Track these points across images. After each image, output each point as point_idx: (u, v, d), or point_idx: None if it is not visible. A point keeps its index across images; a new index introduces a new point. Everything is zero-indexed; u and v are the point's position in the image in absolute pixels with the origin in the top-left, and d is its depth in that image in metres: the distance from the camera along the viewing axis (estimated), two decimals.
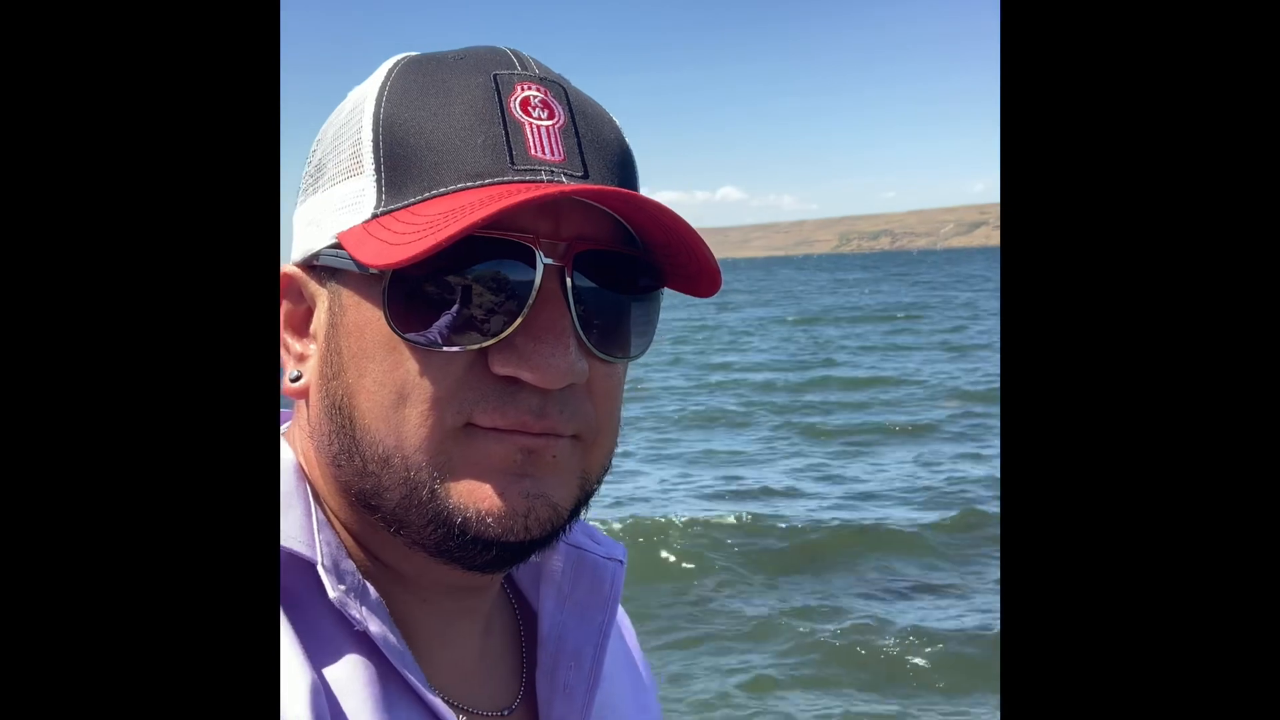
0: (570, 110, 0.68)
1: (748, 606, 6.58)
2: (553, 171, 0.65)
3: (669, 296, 0.74)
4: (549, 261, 0.64)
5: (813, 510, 8.66)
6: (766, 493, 9.40)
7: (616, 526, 7.93)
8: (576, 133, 0.67)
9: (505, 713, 0.76)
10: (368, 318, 0.65)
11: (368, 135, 0.66)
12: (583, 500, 0.70)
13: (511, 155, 0.64)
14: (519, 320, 0.63)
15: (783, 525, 8.05)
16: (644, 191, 0.71)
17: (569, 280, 0.65)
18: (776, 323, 33.53)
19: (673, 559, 7.42)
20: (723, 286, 0.70)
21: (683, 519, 8.15)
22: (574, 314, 0.65)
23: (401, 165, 0.65)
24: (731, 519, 8.21)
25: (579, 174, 0.66)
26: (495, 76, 0.67)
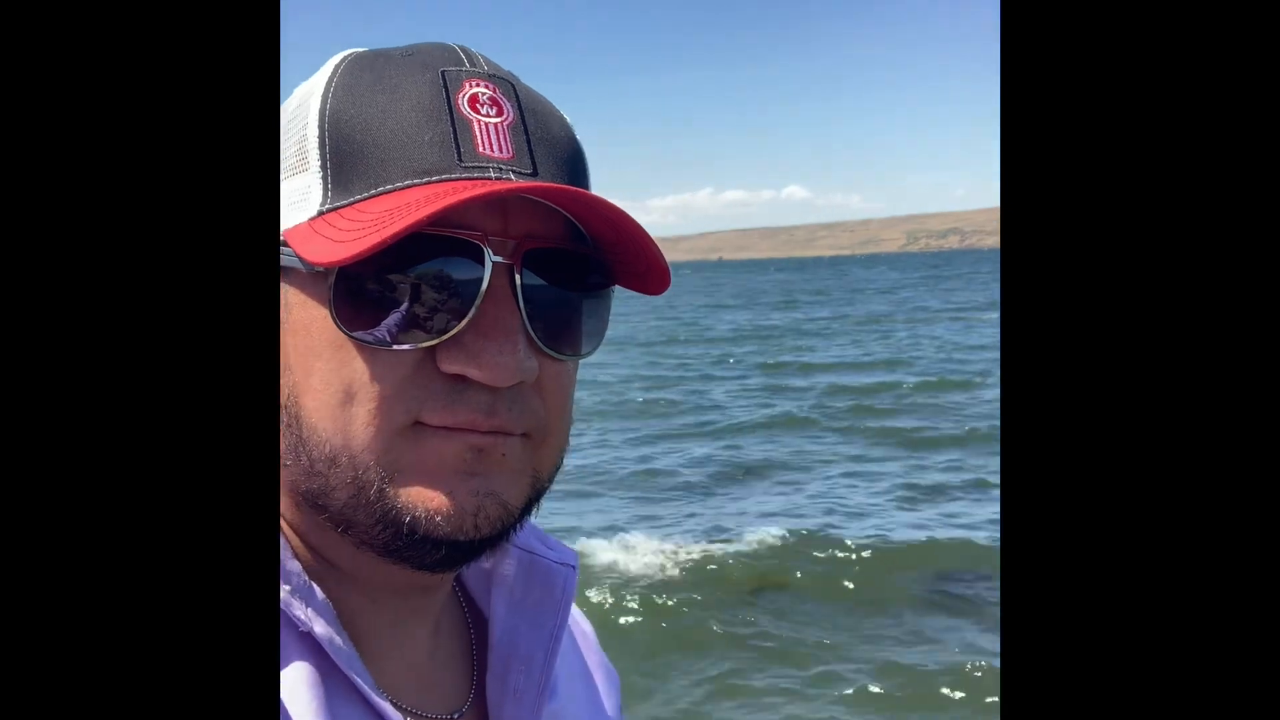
0: (519, 107, 0.67)
1: (817, 630, 6.40)
2: (501, 169, 0.64)
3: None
4: (498, 259, 0.64)
5: (886, 524, 8.43)
6: (837, 506, 9.16)
7: (693, 550, 7.75)
8: (526, 130, 0.67)
9: (455, 716, 0.75)
10: (314, 316, 0.65)
11: (314, 131, 0.66)
12: (534, 499, 0.70)
13: (459, 152, 0.64)
14: (467, 318, 0.63)
15: (854, 542, 7.81)
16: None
17: (518, 278, 0.64)
18: (840, 320, 33.18)
19: (739, 578, 7.23)
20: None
21: (751, 537, 7.99)
22: (523, 312, 0.64)
23: (348, 162, 0.65)
24: (798, 537, 8.00)
25: (528, 171, 0.65)
26: (443, 73, 0.66)
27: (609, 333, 0.73)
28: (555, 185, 0.63)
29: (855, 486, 9.93)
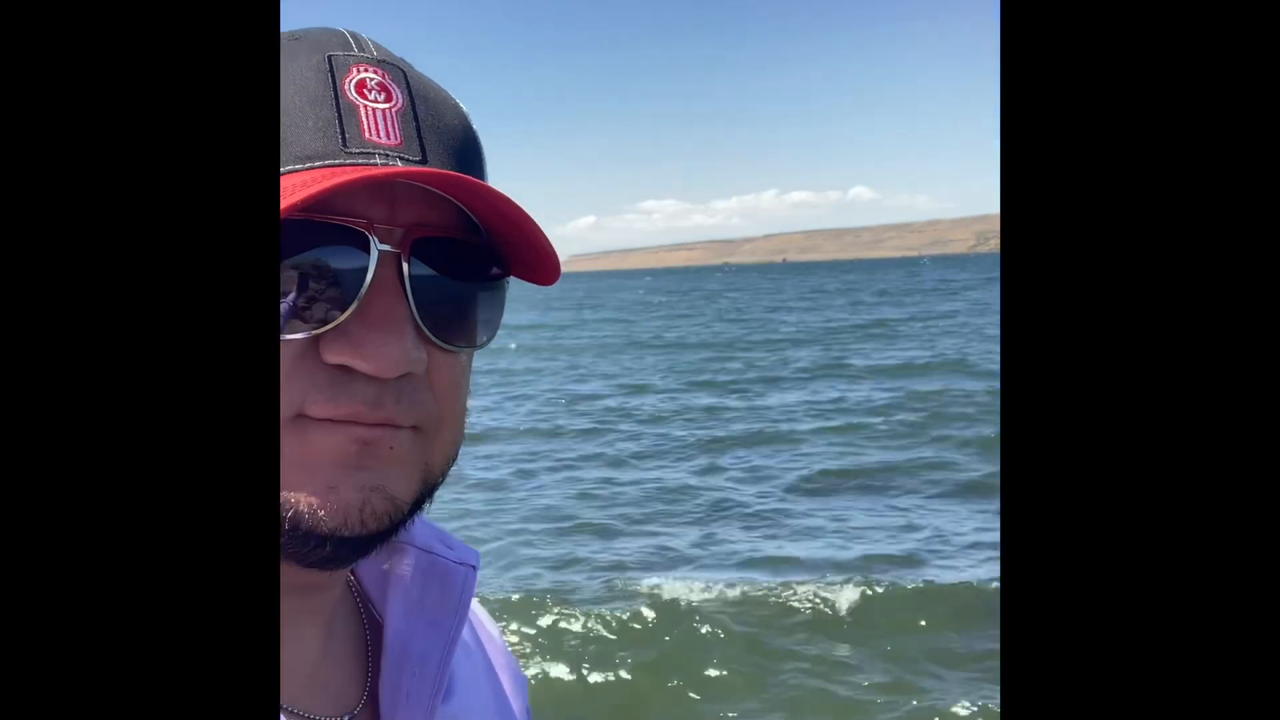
0: (410, 94, 0.66)
1: (878, 660, 5.99)
2: (388, 155, 0.63)
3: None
4: (384, 248, 0.62)
5: (963, 544, 7.95)
6: (911, 524, 8.68)
7: (752, 571, 7.44)
8: (416, 117, 0.65)
9: (345, 718, 0.73)
10: None
11: None
12: (426, 494, 0.68)
13: (344, 138, 0.62)
14: (351, 308, 0.61)
15: (927, 566, 7.40)
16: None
17: (405, 267, 0.63)
18: (907, 323, 32.71)
19: (801, 603, 6.78)
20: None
21: (819, 556, 7.67)
22: (411, 302, 0.63)
23: None
24: (866, 557, 7.63)
25: (416, 158, 0.64)
26: (329, 58, 0.65)
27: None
28: (442, 172, 0.61)
29: (928, 500, 9.60)
